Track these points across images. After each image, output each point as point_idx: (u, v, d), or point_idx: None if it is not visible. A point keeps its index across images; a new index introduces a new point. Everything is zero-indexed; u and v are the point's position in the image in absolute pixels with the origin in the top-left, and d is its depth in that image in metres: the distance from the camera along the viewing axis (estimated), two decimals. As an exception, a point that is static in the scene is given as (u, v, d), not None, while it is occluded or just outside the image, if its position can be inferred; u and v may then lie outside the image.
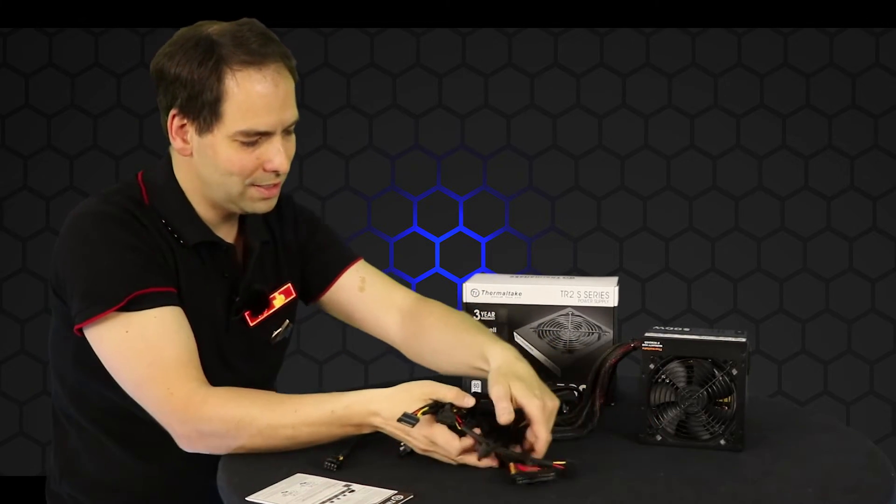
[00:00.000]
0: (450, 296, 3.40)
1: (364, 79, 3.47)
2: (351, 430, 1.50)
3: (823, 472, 1.43)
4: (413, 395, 1.47)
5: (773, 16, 3.43)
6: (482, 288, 1.79)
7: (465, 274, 3.31)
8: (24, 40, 3.43)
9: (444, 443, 1.44)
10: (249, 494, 1.30)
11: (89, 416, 1.68)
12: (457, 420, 1.43)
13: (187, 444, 1.52)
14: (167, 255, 1.61)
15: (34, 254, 3.45)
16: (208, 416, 1.49)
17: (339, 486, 1.33)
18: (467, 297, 1.80)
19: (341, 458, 1.40)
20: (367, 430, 1.50)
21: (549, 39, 3.47)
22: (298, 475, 1.37)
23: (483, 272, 3.38)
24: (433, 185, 3.48)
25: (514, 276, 1.84)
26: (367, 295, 1.84)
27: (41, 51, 3.43)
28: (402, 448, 1.48)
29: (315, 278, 1.84)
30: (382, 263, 3.46)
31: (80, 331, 1.56)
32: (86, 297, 1.53)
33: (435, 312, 1.80)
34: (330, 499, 1.29)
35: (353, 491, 1.31)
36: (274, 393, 1.55)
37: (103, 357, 1.56)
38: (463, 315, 1.80)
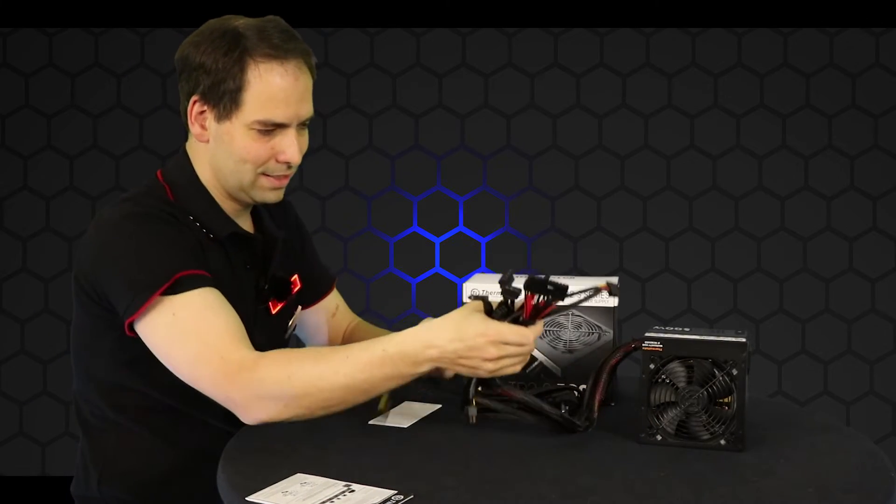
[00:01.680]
0: (450, 296, 3.40)
1: (364, 79, 3.47)
2: (409, 371, 1.50)
3: (823, 472, 1.43)
4: (465, 313, 1.49)
5: (773, 16, 3.43)
6: (482, 288, 1.78)
7: (465, 274, 3.31)
8: (24, 40, 3.43)
9: (516, 334, 1.47)
10: (249, 494, 1.30)
11: (131, 415, 1.68)
12: (525, 309, 1.48)
13: (246, 413, 1.51)
14: (205, 246, 1.65)
15: (34, 254, 3.44)
16: (260, 378, 1.49)
17: (339, 485, 1.33)
18: (467, 297, 1.79)
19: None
20: (426, 367, 1.50)
21: (549, 39, 3.47)
22: (298, 475, 1.37)
23: (483, 272, 3.37)
24: (433, 185, 3.47)
25: (514, 276, 1.84)
26: (335, 321, 1.97)
27: (41, 51, 3.43)
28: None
29: (303, 290, 1.88)
30: (382, 263, 3.46)
31: (131, 327, 1.57)
32: (130, 288, 1.55)
33: (364, 330, 1.95)
34: (330, 499, 1.29)
35: (353, 491, 1.31)
36: (326, 347, 1.58)
37: (155, 346, 1.57)
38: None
